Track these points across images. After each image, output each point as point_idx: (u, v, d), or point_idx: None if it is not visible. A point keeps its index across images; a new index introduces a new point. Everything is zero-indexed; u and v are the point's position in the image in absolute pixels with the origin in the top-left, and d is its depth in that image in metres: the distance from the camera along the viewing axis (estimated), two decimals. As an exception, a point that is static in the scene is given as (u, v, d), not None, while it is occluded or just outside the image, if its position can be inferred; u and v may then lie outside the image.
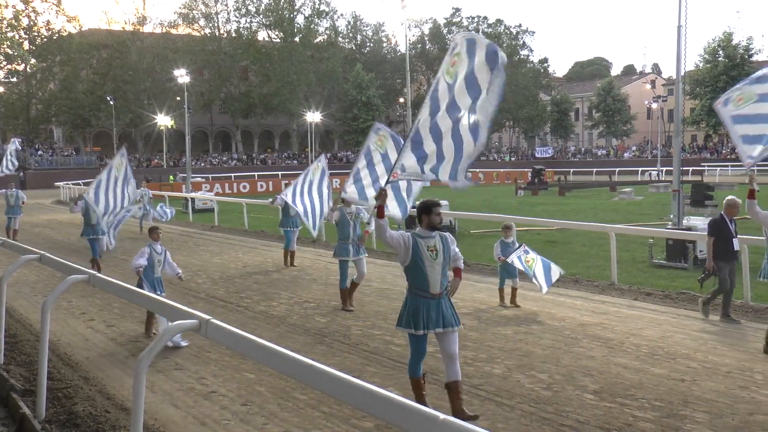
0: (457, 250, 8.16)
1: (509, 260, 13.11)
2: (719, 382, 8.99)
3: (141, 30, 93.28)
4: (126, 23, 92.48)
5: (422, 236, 7.83)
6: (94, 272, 8.03)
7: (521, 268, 13.04)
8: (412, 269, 7.80)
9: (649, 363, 9.80)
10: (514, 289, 13.79)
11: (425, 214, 7.91)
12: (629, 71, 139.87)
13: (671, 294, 14.50)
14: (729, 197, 12.56)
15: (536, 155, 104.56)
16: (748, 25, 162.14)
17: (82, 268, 8.47)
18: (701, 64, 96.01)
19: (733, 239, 11.96)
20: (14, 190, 25.89)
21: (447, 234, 8.09)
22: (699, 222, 18.93)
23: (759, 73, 10.45)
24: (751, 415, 7.85)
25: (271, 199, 21.24)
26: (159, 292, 11.28)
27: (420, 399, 7.87)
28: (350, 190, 12.13)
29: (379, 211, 7.87)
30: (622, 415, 7.87)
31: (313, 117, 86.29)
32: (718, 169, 72.70)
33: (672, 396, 8.47)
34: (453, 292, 8.08)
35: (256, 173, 77.03)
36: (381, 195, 7.99)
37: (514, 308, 13.53)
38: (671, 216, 19.48)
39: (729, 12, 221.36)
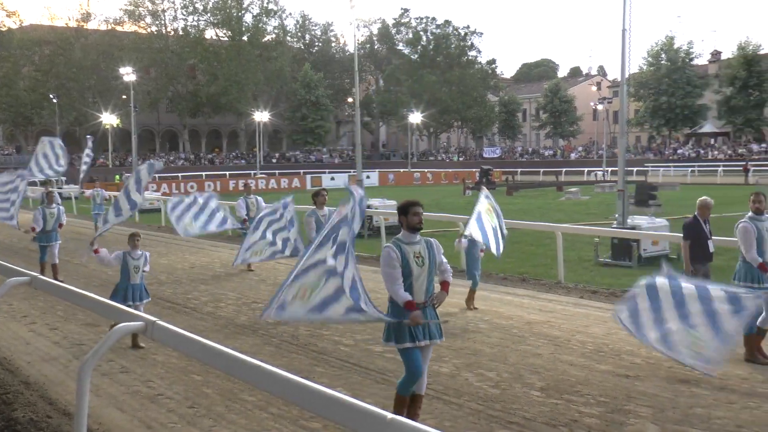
0: (445, 260, 7.63)
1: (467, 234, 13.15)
2: (662, 377, 9.16)
3: (85, 26, 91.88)
4: (69, 19, 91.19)
5: (406, 242, 7.31)
6: (36, 274, 7.89)
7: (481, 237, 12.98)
8: None
9: (595, 360, 9.94)
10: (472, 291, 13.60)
11: (403, 215, 7.41)
12: (576, 73, 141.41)
13: (616, 292, 14.68)
14: (702, 198, 12.21)
15: (484, 155, 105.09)
16: (689, 29, 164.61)
17: (24, 270, 8.33)
18: (645, 67, 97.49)
19: (708, 241, 11.67)
20: None
21: (433, 240, 7.61)
22: (643, 221, 19.21)
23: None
24: (691, 409, 8.02)
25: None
26: (134, 302, 10.86)
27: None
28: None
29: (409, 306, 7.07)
30: (569, 412, 7.97)
31: (262, 116, 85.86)
32: (662, 169, 73.87)
33: (617, 392, 8.60)
34: (438, 304, 7.47)
35: (203, 173, 76.49)
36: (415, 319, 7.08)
37: (464, 308, 13.60)
38: (616, 215, 19.73)
39: (671, 16, 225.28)
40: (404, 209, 7.43)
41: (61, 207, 17.89)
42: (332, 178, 71.27)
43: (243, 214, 19.62)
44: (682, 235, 11.97)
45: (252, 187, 20.24)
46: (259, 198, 20.08)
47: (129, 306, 9.62)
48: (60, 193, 47.38)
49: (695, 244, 11.52)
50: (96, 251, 11.26)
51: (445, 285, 7.60)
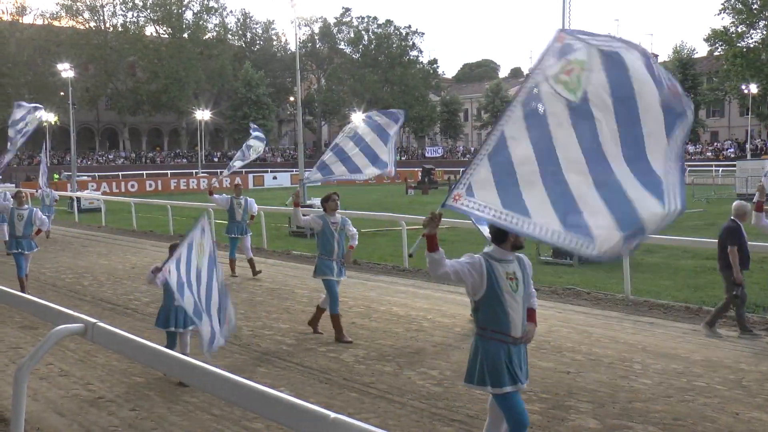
0: (531, 281, 6.32)
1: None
2: (602, 373, 9.31)
3: (20, 21, 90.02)
4: (3, 13, 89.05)
5: (498, 259, 6.01)
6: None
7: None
8: (488, 304, 5.97)
9: (537, 357, 10.05)
10: None
11: (502, 236, 6.00)
12: (516, 73, 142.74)
13: (557, 290, 14.91)
14: (740, 202, 11.81)
15: (426, 155, 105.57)
16: (627, 32, 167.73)
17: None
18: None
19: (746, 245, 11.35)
20: None
21: (525, 257, 6.27)
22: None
23: None
24: (630, 403, 8.17)
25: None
26: (185, 327, 9.25)
27: None
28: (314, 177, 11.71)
29: (430, 243, 5.88)
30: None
31: (203, 115, 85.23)
32: (601, 168, 74.82)
33: (558, 388, 8.72)
34: (529, 340, 6.26)
35: (144, 172, 75.66)
36: (433, 219, 5.83)
37: (404, 308, 13.65)
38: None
39: (609, 19, 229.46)
40: (500, 236, 6.02)
41: (34, 209, 15.53)
42: (274, 177, 71.14)
43: (224, 204, 18.09)
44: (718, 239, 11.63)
45: (242, 188, 19.14)
46: (249, 199, 18.33)
47: (173, 332, 9.18)
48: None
49: (741, 250, 11.28)
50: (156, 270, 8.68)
51: (532, 314, 6.28)
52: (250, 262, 17.60)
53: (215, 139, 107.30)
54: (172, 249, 8.73)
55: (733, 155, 79.23)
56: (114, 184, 61.97)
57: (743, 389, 8.63)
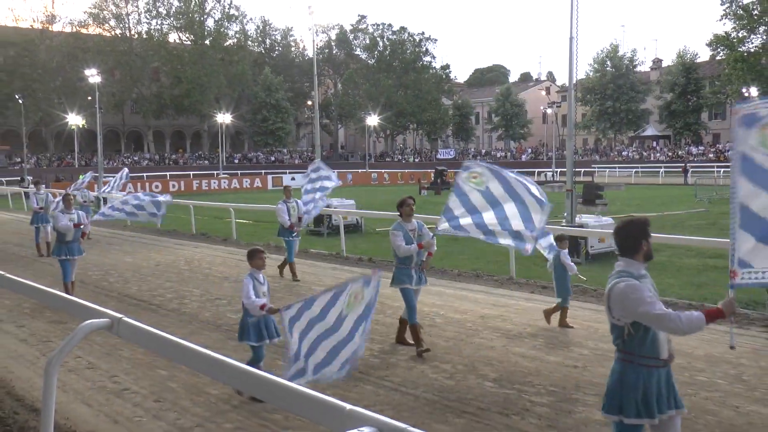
0: None
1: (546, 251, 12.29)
2: (608, 367, 9.17)
3: (50, 29, 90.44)
4: (34, 21, 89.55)
5: (637, 275, 5.35)
6: (2, 272, 7.77)
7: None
8: (638, 327, 5.24)
9: (545, 352, 10.05)
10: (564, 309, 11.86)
11: (644, 238, 5.39)
12: (526, 78, 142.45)
13: (565, 287, 14.86)
14: None
15: (439, 156, 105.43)
16: (633, 38, 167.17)
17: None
18: (591, 73, 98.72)
19: None
20: None
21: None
22: (590, 220, 19.40)
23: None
24: (636, 399, 8.14)
25: None
26: (269, 339, 8.45)
27: None
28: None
29: (715, 317, 5.32)
30: (520, 401, 8.05)
31: (224, 118, 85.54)
32: (607, 170, 74.80)
33: (566, 381, 8.70)
34: (673, 359, 5.62)
35: (168, 173, 75.75)
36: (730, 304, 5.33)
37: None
38: (565, 214, 19.92)
39: (615, 26, 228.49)
40: (642, 230, 5.43)
41: (81, 213, 14.80)
42: (293, 179, 71.09)
43: (287, 219, 17.04)
44: None
45: (291, 190, 18.22)
46: (299, 201, 17.53)
47: (264, 344, 8.40)
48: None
49: None
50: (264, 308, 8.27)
51: None
52: (292, 265, 16.98)
53: (236, 141, 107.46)
54: (251, 256, 8.65)
55: (729, 154, 78.67)
56: (139, 184, 62.03)
57: (743, 384, 8.59)
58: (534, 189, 9.64)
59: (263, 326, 8.32)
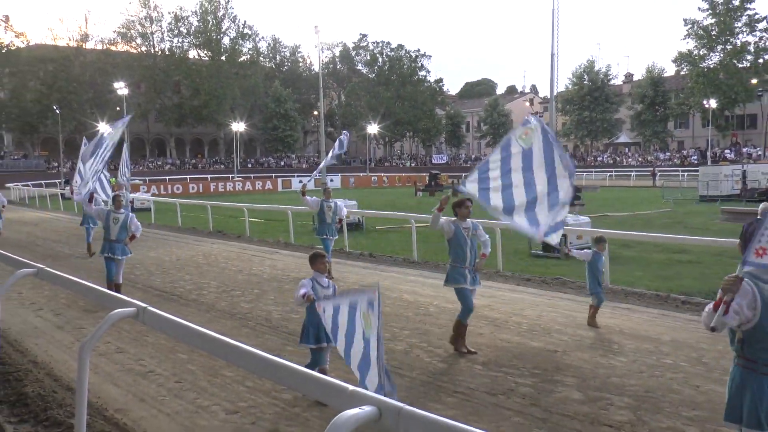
0: None
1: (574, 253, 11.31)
2: (584, 351, 9.29)
3: (84, 46, 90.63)
4: (70, 40, 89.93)
5: (765, 279, 4.47)
6: (42, 266, 7.78)
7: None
8: (764, 332, 4.40)
9: (528, 338, 10.05)
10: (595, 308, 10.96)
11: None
12: (512, 91, 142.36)
13: (547, 279, 14.87)
14: (766, 203, 11.25)
15: (433, 161, 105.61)
16: (607, 54, 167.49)
17: (31, 263, 8.22)
18: (570, 86, 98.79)
19: None
20: None
21: None
22: (569, 218, 19.36)
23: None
24: (608, 378, 8.17)
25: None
26: (328, 343, 7.51)
27: None
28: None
29: None
30: (506, 382, 8.06)
31: (238, 127, 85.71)
32: (585, 174, 74.72)
33: (547, 365, 8.71)
34: None
35: (188, 176, 75.75)
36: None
37: (414, 295, 13.58)
38: (546, 213, 19.91)
39: (592, 43, 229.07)
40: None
41: (131, 214, 13.52)
42: (300, 181, 71.14)
43: (312, 205, 16.24)
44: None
45: (330, 191, 17.25)
46: (338, 202, 16.76)
47: (323, 348, 7.57)
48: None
49: None
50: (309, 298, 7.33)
51: None
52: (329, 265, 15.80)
53: (249, 147, 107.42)
54: (313, 260, 7.86)
55: (696, 162, 78.97)
56: (162, 186, 62.10)
57: (703, 365, 8.61)
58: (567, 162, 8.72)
59: (322, 330, 7.33)
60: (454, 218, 9.75)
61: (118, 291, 12.10)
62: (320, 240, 16.22)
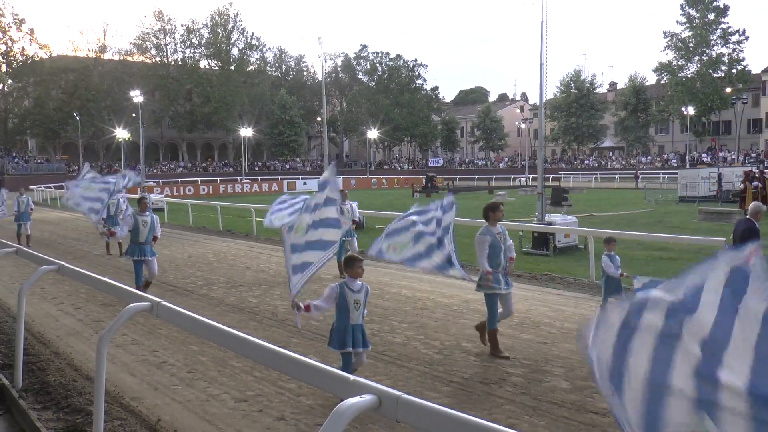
0: None
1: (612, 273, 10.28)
2: (572, 343, 9.28)
3: (102, 57, 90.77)
4: (89, 51, 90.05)
5: None
6: (63, 263, 7.77)
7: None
8: None
9: (519, 330, 10.05)
10: None
11: None
12: (503, 98, 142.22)
13: (536, 275, 14.86)
14: (756, 204, 10.92)
15: (429, 164, 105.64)
16: (592, 64, 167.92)
17: (53, 260, 8.22)
18: (558, 94, 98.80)
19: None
20: (24, 196, 22.21)
21: None
22: (557, 218, 19.41)
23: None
24: (595, 370, 8.15)
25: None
26: (354, 347, 7.01)
27: None
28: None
29: None
30: (498, 372, 8.05)
31: (246, 132, 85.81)
32: (572, 176, 74.80)
33: (537, 356, 8.70)
34: None
35: (199, 179, 75.80)
36: None
37: (411, 290, 13.57)
38: (536, 213, 19.94)
39: (578, 54, 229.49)
40: None
41: (155, 216, 13.18)
42: (305, 183, 71.15)
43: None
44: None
45: (347, 192, 16.24)
46: (353, 203, 16.06)
47: (349, 353, 7.02)
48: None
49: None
50: (307, 308, 7.16)
51: None
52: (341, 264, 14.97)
53: (256, 151, 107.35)
54: (350, 264, 7.24)
55: (676, 165, 79.05)
56: (174, 188, 62.10)
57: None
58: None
59: (349, 336, 6.99)
60: (485, 224, 9.21)
61: (146, 288, 12.29)
62: (132, 264, 15.05)
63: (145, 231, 12.63)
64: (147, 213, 12.87)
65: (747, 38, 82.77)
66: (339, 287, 7.06)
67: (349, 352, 7.03)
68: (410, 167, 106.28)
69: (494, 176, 78.70)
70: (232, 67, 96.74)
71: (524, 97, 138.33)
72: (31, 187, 56.24)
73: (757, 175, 31.35)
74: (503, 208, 9.36)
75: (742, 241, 10.63)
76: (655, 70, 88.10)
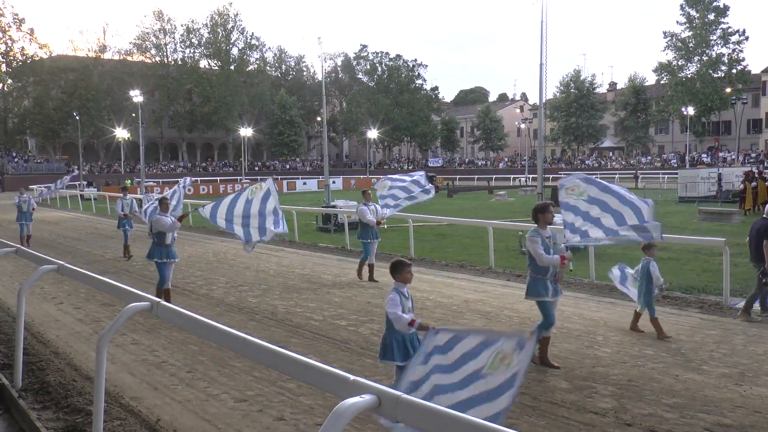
0: None
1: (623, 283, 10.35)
2: (571, 343, 9.29)
3: (102, 57, 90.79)
4: (89, 51, 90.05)
5: None
6: (63, 263, 7.77)
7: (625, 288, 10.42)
8: None
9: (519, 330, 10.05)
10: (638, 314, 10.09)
11: None
12: (503, 98, 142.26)
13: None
14: None
15: (429, 164, 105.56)
16: (592, 64, 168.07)
17: (53, 260, 8.21)
18: (558, 94, 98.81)
19: None
20: (26, 195, 22.06)
21: None
22: (557, 218, 19.35)
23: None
24: (593, 368, 8.16)
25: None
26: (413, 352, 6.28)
27: None
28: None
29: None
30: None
31: (246, 132, 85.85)
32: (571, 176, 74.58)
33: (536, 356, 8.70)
34: None
35: (199, 178, 75.71)
36: None
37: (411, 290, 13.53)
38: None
39: (578, 54, 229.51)
40: None
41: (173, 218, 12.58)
42: (304, 183, 71.26)
43: (372, 219, 14.58)
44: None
45: (370, 194, 15.21)
46: (377, 205, 15.18)
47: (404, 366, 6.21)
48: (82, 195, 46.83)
49: None
50: (412, 323, 6.44)
51: None
52: (372, 267, 14.77)
53: (256, 152, 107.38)
54: (398, 269, 6.87)
55: (675, 165, 79.10)
56: (174, 188, 62.06)
57: (682, 356, 8.61)
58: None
59: (409, 344, 6.55)
60: (534, 227, 8.61)
61: (168, 297, 11.73)
62: (362, 244, 14.97)
63: (170, 233, 12.19)
64: (168, 215, 12.42)
65: (747, 38, 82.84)
66: (398, 296, 6.65)
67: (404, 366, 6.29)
68: (410, 167, 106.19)
69: (494, 176, 78.71)
70: (232, 67, 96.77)
71: (524, 97, 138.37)
72: (31, 186, 56.22)
73: (756, 175, 31.34)
74: (553, 210, 8.74)
75: (757, 240, 10.68)
76: (655, 70, 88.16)
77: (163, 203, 12.53)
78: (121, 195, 21.47)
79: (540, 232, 8.44)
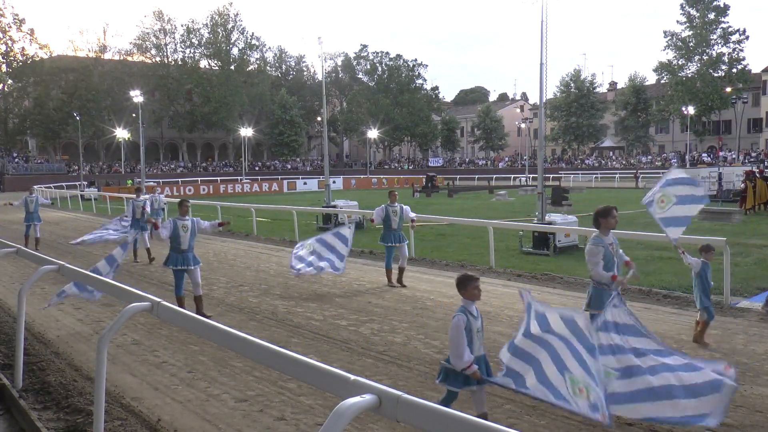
0: None
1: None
2: (572, 344, 9.26)
3: (102, 57, 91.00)
4: (89, 51, 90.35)
5: None
6: (63, 263, 7.76)
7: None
8: None
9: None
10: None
11: None
12: (503, 98, 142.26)
13: (537, 275, 14.83)
14: None
15: (429, 164, 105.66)
16: (592, 64, 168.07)
17: (53, 260, 8.21)
18: (558, 93, 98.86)
19: None
20: (34, 195, 21.32)
21: None
22: (557, 218, 19.38)
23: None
24: (596, 370, 8.14)
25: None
26: (477, 385, 5.98)
27: None
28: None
29: None
30: (497, 371, 8.03)
31: (246, 132, 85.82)
32: (572, 176, 74.77)
33: (536, 356, 8.69)
34: None
35: (199, 179, 75.81)
36: None
37: (411, 290, 13.55)
38: (536, 213, 19.91)
39: (578, 53, 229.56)
40: None
41: (195, 219, 11.92)
42: (305, 183, 71.25)
43: (379, 218, 14.37)
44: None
45: (396, 195, 15.05)
46: (405, 207, 14.71)
47: (473, 391, 6.05)
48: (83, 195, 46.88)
49: None
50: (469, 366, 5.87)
51: None
52: (401, 271, 14.11)
53: (256, 151, 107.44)
54: (464, 285, 6.53)
55: (676, 164, 79.04)
56: (175, 188, 62.07)
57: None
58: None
59: (483, 365, 6.07)
60: (596, 233, 7.79)
61: (199, 307, 11.26)
62: (384, 248, 14.35)
63: (187, 237, 11.36)
64: (187, 217, 11.68)
65: (747, 38, 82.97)
66: (465, 318, 6.17)
67: (473, 391, 6.06)
68: (410, 167, 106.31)
69: (494, 176, 78.66)
70: (232, 67, 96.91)
71: (524, 96, 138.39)
72: (31, 186, 56.30)
73: (757, 174, 31.32)
74: (617, 214, 7.89)
75: None
76: (655, 70, 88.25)
77: (182, 205, 11.86)
78: (134, 196, 19.94)
79: (602, 240, 7.65)
